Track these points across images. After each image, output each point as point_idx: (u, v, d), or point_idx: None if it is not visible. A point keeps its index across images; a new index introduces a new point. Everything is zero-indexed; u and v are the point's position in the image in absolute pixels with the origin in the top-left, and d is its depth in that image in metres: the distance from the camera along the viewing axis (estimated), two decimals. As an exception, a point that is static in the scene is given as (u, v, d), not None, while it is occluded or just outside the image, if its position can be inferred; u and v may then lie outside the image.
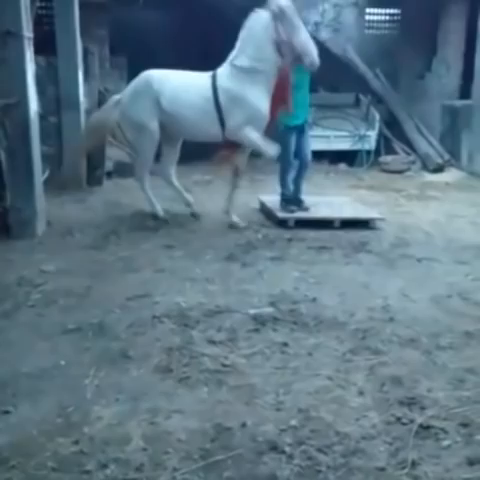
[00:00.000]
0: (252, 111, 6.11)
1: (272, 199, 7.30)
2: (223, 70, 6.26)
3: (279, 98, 6.24)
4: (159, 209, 6.73)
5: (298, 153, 6.85)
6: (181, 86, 6.28)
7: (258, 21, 6.05)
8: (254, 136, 6.23)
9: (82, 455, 2.60)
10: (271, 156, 6.42)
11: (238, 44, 6.21)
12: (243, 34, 6.16)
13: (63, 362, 3.42)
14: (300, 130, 6.77)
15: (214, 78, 6.22)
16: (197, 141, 6.70)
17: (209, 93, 6.17)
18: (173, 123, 6.36)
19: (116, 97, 6.66)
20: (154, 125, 6.37)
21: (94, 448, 2.65)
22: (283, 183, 6.97)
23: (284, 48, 5.96)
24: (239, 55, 6.15)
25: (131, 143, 6.75)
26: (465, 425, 2.85)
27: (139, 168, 6.83)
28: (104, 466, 2.53)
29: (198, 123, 6.28)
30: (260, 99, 6.11)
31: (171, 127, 6.43)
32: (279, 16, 5.90)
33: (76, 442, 2.68)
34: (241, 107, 6.09)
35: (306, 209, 6.88)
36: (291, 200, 6.90)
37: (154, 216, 6.69)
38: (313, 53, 6.00)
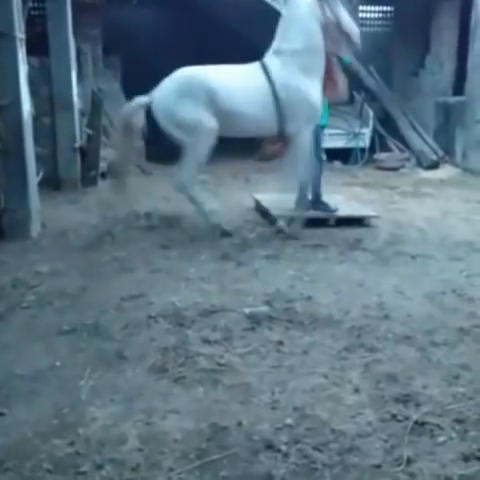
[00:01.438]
0: (308, 103, 5.87)
1: (267, 197, 7.30)
2: (271, 60, 5.93)
3: (326, 86, 6.08)
4: (215, 221, 6.15)
5: (317, 152, 6.70)
6: (234, 81, 5.90)
7: (301, 4, 5.85)
8: (307, 141, 6.07)
9: (78, 456, 2.60)
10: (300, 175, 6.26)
11: (279, 32, 5.94)
12: (285, 21, 5.92)
13: (58, 363, 3.41)
14: (320, 129, 6.73)
15: (265, 69, 5.89)
16: (247, 137, 6.42)
17: (265, 86, 5.84)
18: (228, 120, 5.88)
19: (142, 100, 6.06)
20: (213, 124, 5.86)
21: (90, 449, 2.64)
22: (303, 181, 6.78)
23: (331, 30, 5.84)
24: (284, 42, 5.88)
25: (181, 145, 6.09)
26: (460, 421, 2.85)
27: (187, 172, 6.18)
28: (100, 467, 2.52)
29: (256, 118, 5.89)
30: (314, 88, 5.88)
31: (224, 124, 5.91)
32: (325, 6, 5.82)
33: (71, 443, 2.68)
34: (297, 96, 5.82)
35: (334, 210, 6.70)
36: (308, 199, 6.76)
37: (217, 229, 6.07)
38: (358, 33, 5.97)
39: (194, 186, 6.21)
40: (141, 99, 6.10)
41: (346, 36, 5.95)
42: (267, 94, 5.83)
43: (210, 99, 5.79)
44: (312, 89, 5.89)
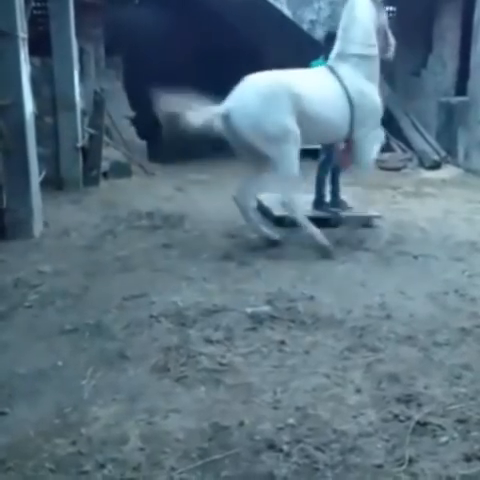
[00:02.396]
0: (375, 108, 5.83)
1: (269, 197, 7.29)
2: (339, 65, 5.77)
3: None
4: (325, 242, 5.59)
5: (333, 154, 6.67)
6: (314, 86, 5.63)
7: (362, 6, 5.79)
8: (372, 146, 5.96)
9: (80, 456, 2.60)
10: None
11: (341, 33, 5.81)
12: (346, 21, 5.80)
13: (60, 363, 3.42)
14: None
15: (336, 74, 5.72)
16: (320, 144, 6.23)
17: (340, 91, 5.67)
18: (309, 127, 5.51)
19: (216, 109, 5.54)
20: (298, 130, 5.45)
21: (92, 448, 2.64)
22: (323, 184, 6.81)
23: (380, 36, 5.87)
24: (347, 44, 5.76)
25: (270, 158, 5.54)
26: (462, 421, 2.85)
27: (287, 183, 5.63)
28: (102, 466, 2.53)
29: (333, 124, 5.70)
30: (377, 93, 5.86)
31: (303, 132, 5.51)
32: (377, 3, 5.85)
33: (73, 443, 2.68)
34: (367, 101, 5.74)
35: (350, 208, 6.73)
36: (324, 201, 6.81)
37: (326, 251, 5.54)
38: (394, 44, 6.04)
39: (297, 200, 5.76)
40: (214, 108, 5.53)
41: (387, 44, 6.00)
42: (342, 99, 5.69)
43: (295, 105, 5.42)
44: (376, 94, 5.89)
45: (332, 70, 5.78)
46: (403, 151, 11.38)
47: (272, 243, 5.76)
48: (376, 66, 5.89)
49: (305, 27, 11.69)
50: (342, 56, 5.79)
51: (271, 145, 5.38)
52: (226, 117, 5.44)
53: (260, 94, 5.42)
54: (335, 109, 5.65)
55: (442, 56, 11.68)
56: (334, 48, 5.88)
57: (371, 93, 5.82)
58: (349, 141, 5.98)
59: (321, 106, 5.56)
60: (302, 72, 5.84)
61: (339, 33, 5.87)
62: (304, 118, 5.46)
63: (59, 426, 2.81)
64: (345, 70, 5.74)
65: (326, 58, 6.27)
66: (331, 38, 6.49)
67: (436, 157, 10.93)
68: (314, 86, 5.62)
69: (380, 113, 5.98)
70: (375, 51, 5.84)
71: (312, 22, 11.82)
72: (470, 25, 10.45)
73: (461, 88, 11.11)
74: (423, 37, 11.92)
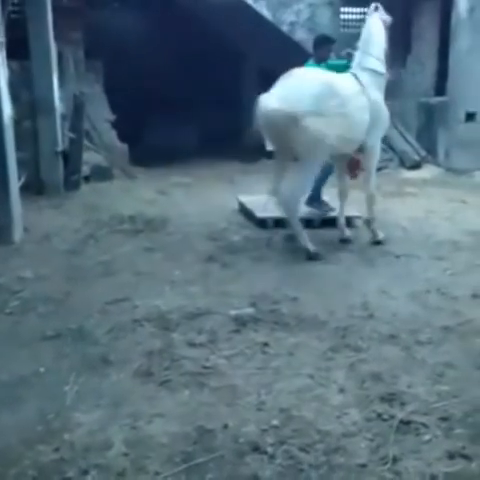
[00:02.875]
0: (385, 117, 5.96)
1: (251, 199, 7.30)
2: (360, 73, 5.85)
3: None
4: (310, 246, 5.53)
5: None
6: (351, 91, 5.64)
7: (377, 25, 6.04)
8: (378, 153, 6.09)
9: (63, 462, 2.57)
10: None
11: (362, 45, 5.98)
12: (366, 35, 6.00)
13: (42, 369, 3.38)
14: None
15: (360, 82, 5.77)
16: (337, 152, 5.82)
17: (364, 97, 5.70)
18: (343, 130, 5.48)
19: (270, 98, 5.38)
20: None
21: (75, 455, 2.62)
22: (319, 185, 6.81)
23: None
24: (366, 57, 5.92)
25: (302, 159, 5.46)
26: (445, 419, 2.87)
27: (302, 188, 5.62)
28: (85, 472, 2.51)
29: (359, 130, 5.68)
30: (384, 107, 6.00)
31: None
32: (386, 25, 6.11)
33: (56, 449, 2.65)
34: (380, 110, 5.87)
35: (332, 209, 6.73)
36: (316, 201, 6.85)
37: (311, 255, 5.46)
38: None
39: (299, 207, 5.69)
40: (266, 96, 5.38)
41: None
42: (366, 107, 5.72)
43: (339, 107, 5.42)
44: (384, 105, 6.01)
45: (356, 78, 5.85)
46: (384, 151, 11.44)
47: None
48: (383, 79, 6.06)
49: (285, 29, 11.72)
50: (362, 67, 5.93)
51: (310, 141, 5.27)
52: (276, 106, 5.26)
53: (313, 90, 5.34)
54: (362, 117, 5.68)
55: (421, 56, 11.78)
56: (355, 59, 6.01)
57: (383, 104, 5.98)
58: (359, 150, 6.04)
59: (356, 112, 5.60)
60: (338, 76, 5.80)
61: (360, 46, 6.02)
62: (344, 121, 5.45)
63: (42, 433, 2.78)
64: (366, 80, 5.86)
65: (318, 61, 6.53)
66: (321, 42, 6.72)
67: (417, 157, 11.02)
68: (352, 92, 5.66)
69: (387, 124, 6.13)
70: (383, 68, 6.02)
71: (292, 24, 11.86)
72: (448, 25, 10.56)
73: (441, 88, 11.21)
74: (402, 38, 12.00)
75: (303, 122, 5.18)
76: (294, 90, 5.36)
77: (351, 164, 6.31)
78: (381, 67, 5.98)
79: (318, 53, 6.71)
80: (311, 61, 6.71)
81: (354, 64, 5.99)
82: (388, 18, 6.18)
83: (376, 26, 6.06)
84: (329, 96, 5.35)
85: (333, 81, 5.52)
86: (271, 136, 5.75)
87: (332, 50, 6.77)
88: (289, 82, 5.49)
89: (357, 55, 6.00)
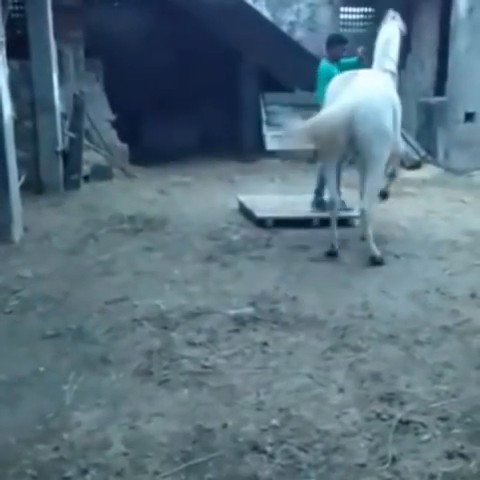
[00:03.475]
0: (400, 115, 5.93)
1: (251, 199, 7.31)
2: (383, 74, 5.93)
3: None
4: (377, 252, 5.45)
5: None
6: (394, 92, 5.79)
7: (396, 31, 6.17)
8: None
9: (62, 462, 2.58)
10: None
11: (382, 48, 6.04)
12: (386, 39, 6.08)
13: (42, 368, 3.39)
14: None
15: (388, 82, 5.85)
16: None
17: (396, 96, 5.80)
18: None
19: (349, 103, 5.27)
20: None
21: (74, 454, 2.62)
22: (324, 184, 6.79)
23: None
24: (386, 59, 5.99)
25: (371, 160, 5.42)
26: (444, 419, 2.87)
27: (377, 189, 5.68)
28: (84, 472, 2.51)
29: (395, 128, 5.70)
30: None
31: None
32: (402, 33, 6.27)
33: (56, 449, 2.66)
34: (399, 110, 5.84)
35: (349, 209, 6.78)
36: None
37: (375, 259, 5.39)
38: None
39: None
40: (347, 104, 5.28)
41: None
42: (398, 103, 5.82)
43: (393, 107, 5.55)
44: None
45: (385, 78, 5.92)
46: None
47: (331, 253, 5.57)
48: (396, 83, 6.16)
49: (285, 29, 11.72)
50: (383, 69, 5.96)
51: (382, 147, 5.34)
52: (351, 111, 5.23)
53: (382, 93, 5.47)
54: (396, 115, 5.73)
55: (420, 56, 11.78)
56: (375, 60, 6.05)
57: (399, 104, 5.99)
58: None
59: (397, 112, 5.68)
60: (388, 82, 5.88)
61: (379, 48, 6.06)
62: (395, 122, 5.59)
63: (41, 432, 2.78)
64: (388, 81, 5.91)
65: (331, 60, 6.67)
66: (334, 41, 6.84)
67: (416, 157, 11.01)
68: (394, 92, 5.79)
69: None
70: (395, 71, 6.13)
71: (291, 24, 11.86)
72: (448, 25, 10.55)
73: (440, 88, 11.21)
74: (402, 38, 11.99)
75: (384, 128, 5.32)
76: (373, 98, 5.38)
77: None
78: (395, 69, 6.08)
79: (331, 52, 6.82)
80: (325, 60, 6.82)
81: (375, 65, 6.02)
82: (404, 27, 6.34)
83: (395, 32, 6.16)
84: (390, 98, 5.53)
85: (385, 76, 5.71)
86: (345, 142, 5.43)
87: (345, 49, 6.87)
88: (359, 87, 5.43)
89: (377, 57, 6.03)
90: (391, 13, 6.29)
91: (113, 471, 2.51)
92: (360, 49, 6.71)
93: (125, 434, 2.77)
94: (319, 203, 6.86)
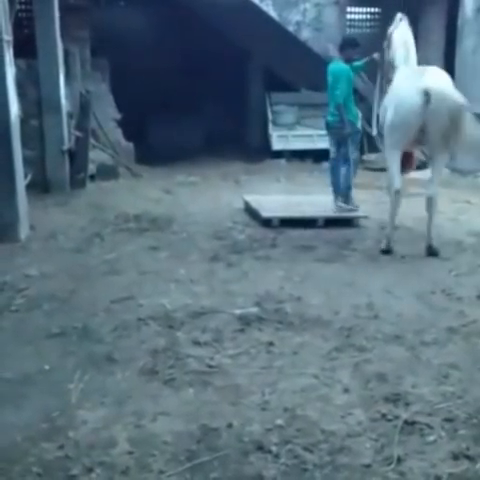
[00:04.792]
0: None
1: (256, 198, 7.31)
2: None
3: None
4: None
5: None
6: None
7: (408, 31, 6.44)
8: None
9: (67, 460, 2.58)
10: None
11: (405, 49, 6.28)
12: (405, 39, 6.34)
13: (47, 367, 3.39)
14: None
15: None
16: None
17: None
18: None
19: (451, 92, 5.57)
20: None
21: (79, 452, 2.63)
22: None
23: None
24: (411, 59, 6.27)
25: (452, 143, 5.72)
26: (449, 420, 2.86)
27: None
28: (90, 470, 2.51)
29: None
30: None
31: None
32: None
33: (61, 447, 2.66)
34: None
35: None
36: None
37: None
38: None
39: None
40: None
41: None
42: None
43: None
44: None
45: None
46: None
47: (387, 250, 5.66)
48: None
49: (291, 29, 11.71)
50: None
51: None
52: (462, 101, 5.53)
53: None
54: None
55: (427, 57, 11.72)
56: (401, 59, 6.23)
57: None
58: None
59: None
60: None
61: (402, 49, 6.27)
62: None
63: (46, 430, 2.79)
64: None
65: (346, 61, 6.90)
66: (348, 44, 7.06)
67: (422, 157, 10.97)
68: None
69: None
70: None
71: (298, 23, 11.85)
72: (454, 26, 10.53)
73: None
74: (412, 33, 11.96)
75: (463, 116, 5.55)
76: (449, 85, 5.64)
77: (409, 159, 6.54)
78: None
79: (346, 54, 7.02)
80: (340, 61, 6.98)
81: (401, 63, 6.18)
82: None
83: (409, 34, 6.40)
84: None
85: None
86: (434, 130, 5.60)
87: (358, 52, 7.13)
88: (438, 78, 5.67)
89: (401, 56, 6.21)
90: (399, 15, 6.46)
91: (118, 470, 2.52)
92: (376, 55, 6.90)
93: (130, 433, 2.77)
94: (343, 197, 6.96)
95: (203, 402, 3.04)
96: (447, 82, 5.69)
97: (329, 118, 7.05)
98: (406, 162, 6.44)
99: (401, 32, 6.37)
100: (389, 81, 6.29)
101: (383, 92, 6.47)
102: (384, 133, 5.95)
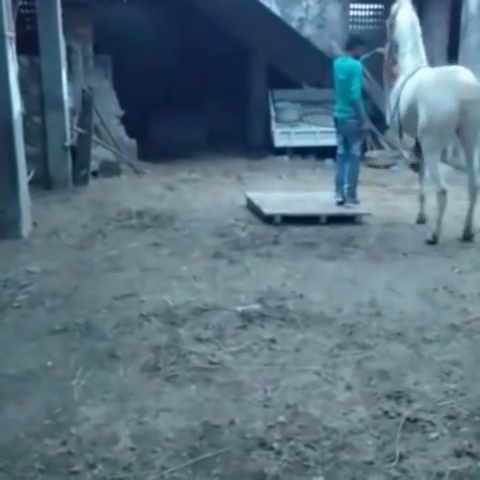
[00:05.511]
0: None
1: (259, 195, 7.31)
2: None
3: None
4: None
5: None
6: None
7: (413, 13, 6.77)
8: None
9: (70, 456, 2.59)
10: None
11: (415, 39, 6.57)
12: (409, 24, 6.57)
13: (50, 363, 3.40)
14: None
15: None
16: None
17: None
18: None
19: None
20: None
21: (82, 448, 2.63)
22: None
23: None
24: (421, 52, 6.62)
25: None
26: (452, 417, 2.87)
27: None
28: (92, 466, 2.52)
29: None
30: None
31: None
32: None
33: (64, 443, 2.67)
34: None
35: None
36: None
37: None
38: None
39: None
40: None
41: None
42: None
43: None
44: None
45: None
46: (392, 149, 11.39)
47: (433, 241, 5.87)
48: None
49: (294, 25, 11.68)
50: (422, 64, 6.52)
51: None
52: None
53: None
54: None
55: (430, 53, 11.67)
56: (423, 54, 6.61)
57: None
58: None
59: None
60: None
61: (411, 39, 6.56)
62: None
63: (49, 426, 2.80)
64: None
65: (355, 58, 6.97)
66: (355, 43, 7.17)
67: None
68: None
69: None
70: None
71: (301, 20, 11.81)
72: (458, 22, 10.49)
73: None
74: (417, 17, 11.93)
75: None
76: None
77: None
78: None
79: (355, 51, 7.09)
80: (351, 58, 6.99)
81: (423, 58, 6.53)
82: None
83: (414, 13, 6.65)
84: None
85: None
86: (471, 130, 5.85)
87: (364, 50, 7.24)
88: (469, 79, 5.99)
89: (408, 42, 6.51)
90: None
91: (120, 466, 2.52)
92: (380, 49, 7.11)
93: (132, 429, 2.77)
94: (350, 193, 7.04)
95: (205, 399, 3.04)
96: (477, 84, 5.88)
97: (340, 114, 7.04)
98: (419, 150, 6.54)
99: (407, 13, 6.50)
100: (394, 63, 6.58)
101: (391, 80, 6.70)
102: (419, 137, 6.09)
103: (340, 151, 7.13)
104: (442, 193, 5.98)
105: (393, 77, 6.71)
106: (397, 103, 6.49)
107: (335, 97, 7.19)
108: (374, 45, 7.32)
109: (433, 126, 5.75)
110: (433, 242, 5.88)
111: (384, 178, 9.67)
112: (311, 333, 3.80)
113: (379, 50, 7.03)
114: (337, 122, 7.13)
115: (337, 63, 7.05)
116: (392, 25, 6.73)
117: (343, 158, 7.11)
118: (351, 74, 6.86)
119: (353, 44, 7.17)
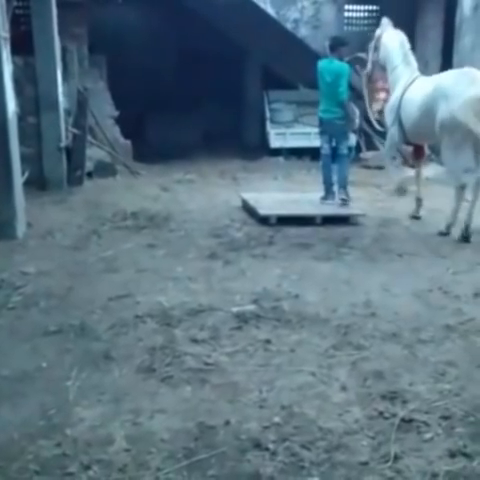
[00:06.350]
0: None
1: (254, 196, 7.31)
2: None
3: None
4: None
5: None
6: None
7: (400, 33, 7.02)
8: None
9: (65, 457, 2.58)
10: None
11: (404, 52, 6.84)
12: (398, 42, 6.84)
13: (44, 364, 3.39)
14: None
15: None
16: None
17: None
18: None
19: None
20: None
21: (77, 450, 2.63)
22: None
23: None
24: (413, 63, 6.87)
25: None
26: (446, 418, 2.87)
27: None
28: (87, 468, 2.51)
29: None
30: None
31: None
32: None
33: (58, 444, 2.66)
34: None
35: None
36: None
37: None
38: None
39: None
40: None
41: None
42: None
43: None
44: None
45: None
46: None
47: (444, 233, 6.13)
48: None
49: (289, 26, 11.69)
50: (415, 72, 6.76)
51: None
52: None
53: None
54: None
55: (424, 55, 11.72)
56: (414, 63, 6.83)
57: None
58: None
59: None
60: None
61: (408, 53, 6.91)
62: None
63: (43, 428, 2.79)
64: None
65: (340, 60, 7.07)
66: (338, 44, 7.20)
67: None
68: None
69: None
70: None
71: (296, 21, 11.82)
72: (452, 23, 10.52)
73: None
74: (406, 36, 11.96)
75: None
76: None
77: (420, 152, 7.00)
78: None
79: (339, 52, 7.16)
80: (337, 60, 7.09)
81: (415, 68, 6.72)
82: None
83: (401, 33, 6.88)
84: None
85: None
86: None
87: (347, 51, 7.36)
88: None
89: (399, 56, 6.75)
90: (385, 20, 7.00)
91: (115, 467, 2.52)
92: (361, 54, 7.40)
93: (128, 430, 2.77)
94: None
95: (200, 400, 3.04)
96: None
97: (326, 115, 7.08)
98: (418, 155, 6.99)
99: (392, 34, 6.73)
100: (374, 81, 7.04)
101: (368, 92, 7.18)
102: (438, 138, 6.20)
103: (325, 151, 7.19)
104: (461, 188, 6.15)
105: (377, 91, 6.89)
106: (397, 114, 6.51)
107: (319, 98, 7.21)
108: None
109: (456, 118, 5.77)
110: (446, 233, 6.04)
111: (378, 179, 9.68)
112: (306, 334, 3.81)
113: (359, 55, 7.21)
114: (322, 123, 7.18)
115: (322, 65, 7.10)
116: (377, 47, 6.88)
117: (330, 158, 7.13)
118: (339, 75, 6.94)
119: (336, 45, 7.20)
